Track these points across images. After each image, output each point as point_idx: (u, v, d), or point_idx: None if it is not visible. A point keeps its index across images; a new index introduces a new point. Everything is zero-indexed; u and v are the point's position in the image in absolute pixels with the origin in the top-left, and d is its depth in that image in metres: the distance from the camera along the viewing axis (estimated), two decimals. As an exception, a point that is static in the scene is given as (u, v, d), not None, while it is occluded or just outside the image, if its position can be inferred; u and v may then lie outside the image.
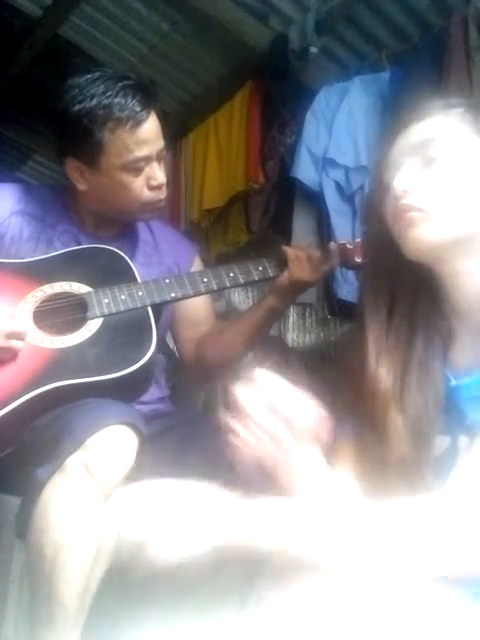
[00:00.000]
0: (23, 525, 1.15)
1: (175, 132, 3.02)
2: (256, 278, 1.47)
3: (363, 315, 0.92)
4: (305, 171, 2.39)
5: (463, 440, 0.82)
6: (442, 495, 0.73)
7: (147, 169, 1.42)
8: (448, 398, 0.85)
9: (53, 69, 3.12)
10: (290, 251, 1.48)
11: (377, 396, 0.87)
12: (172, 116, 3.04)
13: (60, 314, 1.36)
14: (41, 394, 1.24)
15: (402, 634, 0.65)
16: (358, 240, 1.55)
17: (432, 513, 0.71)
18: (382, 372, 0.88)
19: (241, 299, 3.19)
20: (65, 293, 1.39)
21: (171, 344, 1.80)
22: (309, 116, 2.43)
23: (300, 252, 1.49)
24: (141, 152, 1.39)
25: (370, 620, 0.65)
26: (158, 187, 1.45)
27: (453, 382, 0.86)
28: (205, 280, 1.45)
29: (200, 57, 2.90)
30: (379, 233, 0.91)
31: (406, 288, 0.91)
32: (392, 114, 2.23)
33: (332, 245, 1.54)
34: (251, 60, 2.73)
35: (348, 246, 1.53)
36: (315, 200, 2.41)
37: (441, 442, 0.84)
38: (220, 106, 2.94)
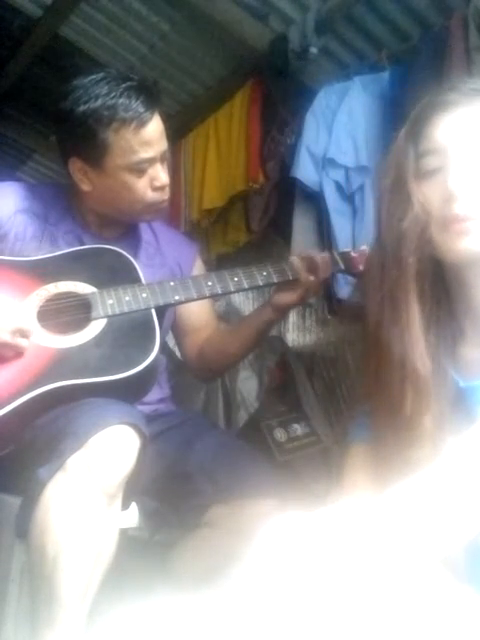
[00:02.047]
0: (24, 525, 1.15)
1: (175, 132, 3.02)
2: (260, 283, 1.45)
3: (399, 311, 0.86)
4: (305, 171, 2.39)
5: None
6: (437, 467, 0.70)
7: (150, 170, 1.42)
8: (457, 400, 0.83)
9: (53, 69, 3.13)
10: (302, 272, 1.45)
11: (416, 390, 0.83)
12: (172, 116, 3.04)
13: (64, 314, 1.36)
14: (43, 393, 1.24)
15: (410, 628, 0.64)
16: (363, 248, 1.53)
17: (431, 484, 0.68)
18: (421, 363, 0.84)
19: (241, 300, 3.19)
20: (69, 293, 1.39)
21: (171, 344, 1.80)
22: (309, 116, 2.43)
23: (310, 263, 1.46)
24: (145, 153, 1.39)
25: (376, 614, 0.65)
26: (161, 188, 1.45)
27: (462, 384, 0.84)
28: (209, 284, 1.44)
29: (200, 57, 2.90)
30: (413, 224, 0.85)
31: (426, 285, 0.87)
32: (392, 114, 2.23)
33: (335, 254, 1.54)
34: (251, 60, 2.73)
35: (352, 254, 1.52)
36: (315, 200, 2.41)
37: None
38: (220, 106, 2.94)
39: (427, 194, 0.85)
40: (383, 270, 0.90)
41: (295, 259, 1.46)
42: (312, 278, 1.45)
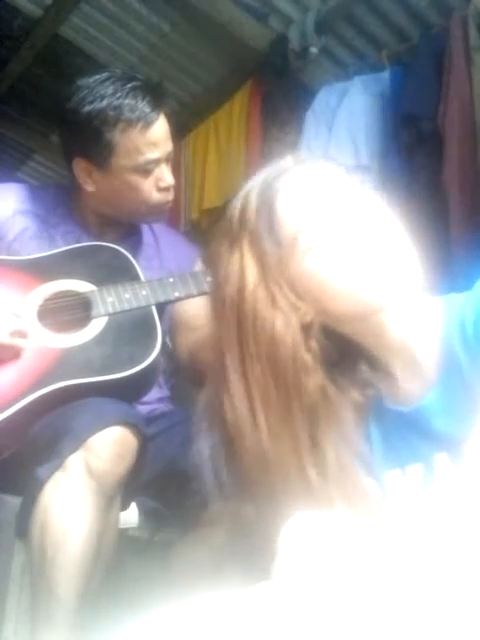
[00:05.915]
0: (23, 525, 1.15)
1: (175, 132, 3.01)
2: None
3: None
4: (305, 171, 2.39)
5: (440, 457, 0.80)
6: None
7: (156, 171, 1.41)
8: (410, 425, 0.83)
9: (53, 69, 3.13)
10: None
11: None
12: (172, 116, 3.03)
13: (64, 312, 1.36)
14: (48, 393, 1.24)
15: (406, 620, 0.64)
16: None
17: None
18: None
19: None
20: (69, 291, 1.38)
21: (170, 344, 1.79)
22: (309, 116, 2.43)
23: None
24: (152, 154, 1.39)
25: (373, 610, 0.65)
26: (167, 188, 1.44)
27: (407, 410, 0.83)
28: (209, 280, 1.44)
29: (200, 57, 2.90)
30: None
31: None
32: (392, 114, 2.23)
33: None
34: (251, 60, 2.73)
35: None
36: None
37: (416, 471, 0.82)
38: (220, 106, 2.94)
39: None
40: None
41: None
42: None
